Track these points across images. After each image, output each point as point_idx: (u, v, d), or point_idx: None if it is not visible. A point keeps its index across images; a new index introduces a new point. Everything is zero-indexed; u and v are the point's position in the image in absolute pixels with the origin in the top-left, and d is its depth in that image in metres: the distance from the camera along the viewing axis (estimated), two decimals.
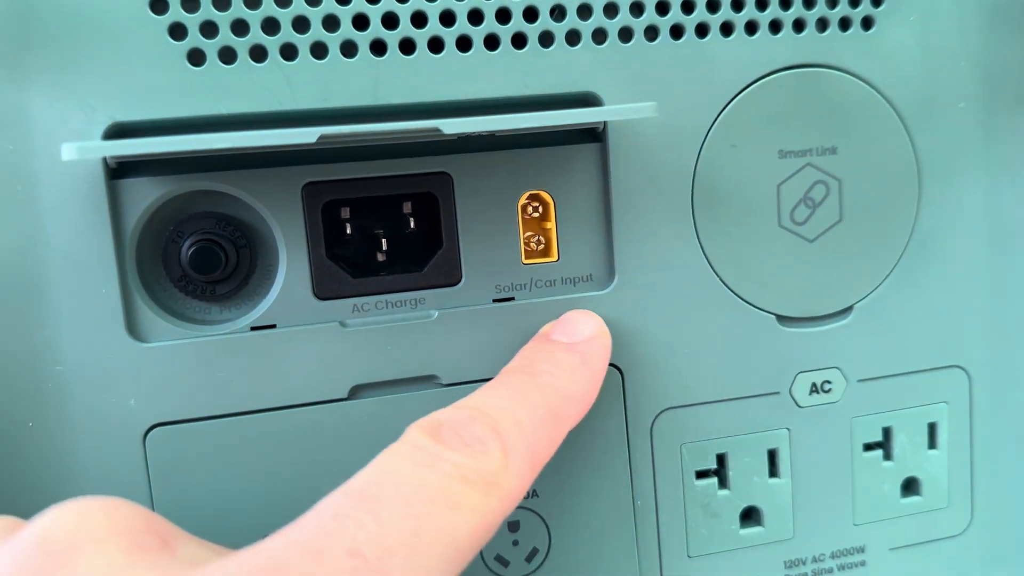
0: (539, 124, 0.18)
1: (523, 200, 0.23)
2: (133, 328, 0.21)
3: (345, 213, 0.22)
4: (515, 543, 0.23)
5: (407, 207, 0.23)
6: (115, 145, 0.17)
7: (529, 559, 0.24)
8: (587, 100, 0.23)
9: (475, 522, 0.16)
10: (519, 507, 0.23)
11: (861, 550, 0.26)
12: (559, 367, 0.21)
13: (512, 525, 0.23)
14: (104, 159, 0.20)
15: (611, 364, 0.24)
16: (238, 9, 0.20)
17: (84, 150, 0.17)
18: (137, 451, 0.21)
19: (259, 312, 0.22)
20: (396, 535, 0.15)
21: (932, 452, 0.26)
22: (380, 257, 0.23)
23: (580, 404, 0.21)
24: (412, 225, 0.23)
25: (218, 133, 0.17)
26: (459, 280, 0.23)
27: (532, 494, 0.23)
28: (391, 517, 0.15)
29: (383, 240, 0.23)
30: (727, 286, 0.24)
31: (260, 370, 0.22)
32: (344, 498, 0.16)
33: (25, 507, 0.19)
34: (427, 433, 0.18)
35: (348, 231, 0.22)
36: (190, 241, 0.21)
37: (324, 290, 0.22)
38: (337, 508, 0.16)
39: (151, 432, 0.21)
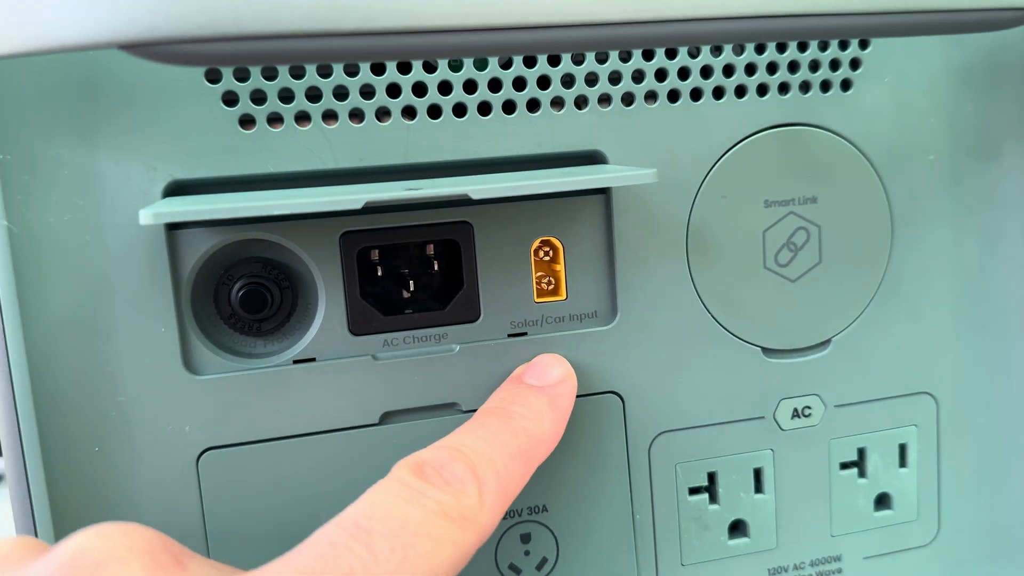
0: (552, 189, 0.21)
1: (535, 245, 0.26)
2: (188, 362, 0.23)
3: (377, 258, 0.25)
4: (527, 553, 0.26)
5: (432, 252, 0.25)
6: (184, 211, 0.20)
7: (539, 567, 0.26)
8: (593, 157, 0.25)
9: (453, 553, 0.19)
10: (530, 520, 0.26)
11: (838, 559, 0.29)
12: (529, 409, 0.23)
13: (524, 537, 0.26)
14: None
15: (613, 391, 0.26)
16: (284, 79, 0.23)
17: (159, 216, 0.19)
18: (191, 472, 0.24)
19: (301, 347, 0.24)
20: (386, 564, 0.17)
21: (903, 470, 0.29)
22: (408, 297, 0.25)
23: (548, 444, 0.23)
24: (436, 268, 0.25)
25: (273, 200, 0.20)
26: (478, 317, 0.25)
27: (543, 508, 0.26)
28: (381, 548, 0.17)
29: (410, 282, 0.25)
30: (717, 322, 0.27)
31: (301, 399, 0.24)
32: (339, 529, 0.18)
33: (92, 523, 0.21)
34: (412, 471, 0.20)
35: (379, 274, 0.25)
36: (239, 284, 0.24)
37: (358, 327, 0.25)
38: (333, 538, 0.18)
39: (203, 455, 0.24)
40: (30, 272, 0.22)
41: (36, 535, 0.23)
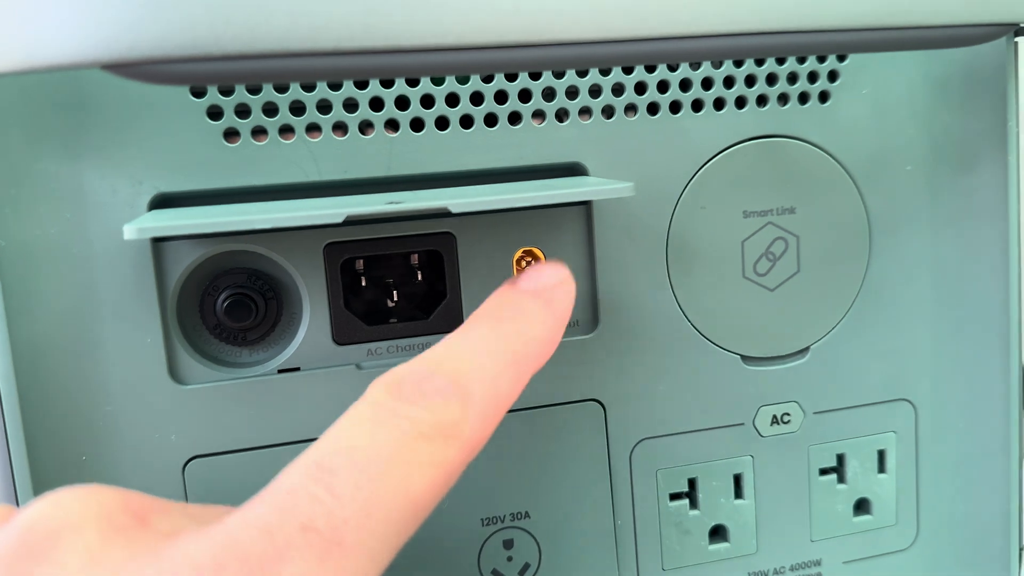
0: (530, 203, 0.21)
1: (518, 255, 0.26)
2: (174, 372, 0.24)
3: (361, 269, 0.25)
4: (509, 559, 0.26)
5: (416, 262, 0.26)
6: (168, 226, 0.20)
7: (522, 573, 0.27)
8: (574, 169, 0.26)
9: (434, 476, 0.17)
10: (513, 526, 0.26)
11: (818, 563, 0.29)
12: (522, 312, 0.21)
13: (507, 543, 0.26)
14: None
15: (594, 399, 0.27)
16: (268, 93, 0.23)
17: (143, 231, 0.19)
18: (177, 480, 0.24)
19: (285, 356, 0.25)
20: (350, 505, 0.16)
21: (881, 476, 0.30)
22: (391, 307, 0.26)
23: (543, 348, 0.21)
24: (419, 278, 0.26)
25: (256, 215, 0.20)
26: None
27: (525, 515, 0.26)
28: (345, 488, 0.16)
29: (394, 292, 0.26)
30: (697, 330, 0.27)
31: (286, 408, 0.24)
32: (299, 472, 0.16)
33: None
34: (387, 389, 0.18)
35: (363, 284, 0.25)
36: (225, 294, 0.24)
37: (342, 336, 0.25)
38: (292, 483, 0.16)
39: (189, 463, 0.24)
40: (17, 284, 0.22)
41: None
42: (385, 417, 0.17)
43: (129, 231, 0.20)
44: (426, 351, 0.20)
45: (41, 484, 0.23)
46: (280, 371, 0.25)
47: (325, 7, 0.18)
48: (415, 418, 0.17)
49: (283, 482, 0.16)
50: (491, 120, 0.25)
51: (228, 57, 0.18)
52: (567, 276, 0.22)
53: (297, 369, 0.25)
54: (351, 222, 0.24)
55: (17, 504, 0.23)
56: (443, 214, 0.25)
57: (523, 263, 0.26)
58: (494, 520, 0.26)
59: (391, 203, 0.21)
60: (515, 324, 0.21)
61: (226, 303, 0.24)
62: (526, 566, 0.27)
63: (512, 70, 0.20)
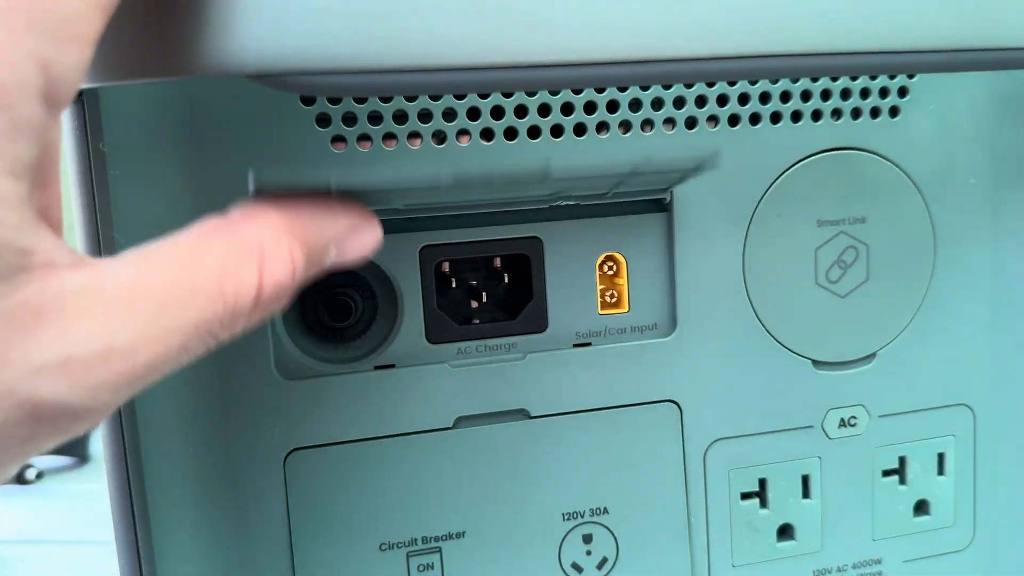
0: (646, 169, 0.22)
1: (600, 260, 0.27)
2: (281, 367, 0.25)
3: (451, 271, 0.26)
4: (588, 552, 0.27)
5: (502, 265, 0.27)
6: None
7: (600, 566, 0.28)
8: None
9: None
10: (592, 522, 0.27)
11: (878, 561, 0.30)
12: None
13: (586, 537, 0.27)
14: None
15: (671, 400, 0.28)
16: (373, 103, 0.24)
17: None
18: (278, 471, 0.25)
19: (381, 354, 0.26)
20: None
21: (941, 478, 0.30)
22: (480, 308, 0.27)
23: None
24: (506, 280, 0.27)
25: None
26: (545, 328, 0.27)
27: (604, 511, 0.27)
28: None
29: (483, 294, 0.27)
30: (771, 334, 0.28)
31: (382, 403, 0.26)
32: None
33: (188, 514, 0.23)
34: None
35: (455, 286, 0.26)
36: (326, 293, 0.25)
37: (435, 335, 0.26)
38: None
39: (291, 455, 0.25)
40: None
41: (135, 531, 0.24)
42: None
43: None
44: None
45: (151, 473, 0.24)
46: (376, 368, 0.26)
47: (455, 28, 0.19)
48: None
49: None
50: (580, 130, 0.26)
51: (364, 71, 0.19)
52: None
53: (392, 366, 0.26)
54: (446, 225, 0.25)
55: (131, 497, 0.24)
56: (532, 218, 0.26)
57: (605, 267, 0.27)
58: (574, 515, 0.27)
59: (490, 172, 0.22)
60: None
61: (328, 302, 0.25)
62: (604, 560, 0.28)
63: (611, 84, 0.21)
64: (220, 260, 0.17)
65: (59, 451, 0.46)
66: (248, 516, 0.25)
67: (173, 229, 0.24)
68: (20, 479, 0.43)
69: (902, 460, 0.30)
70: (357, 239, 0.21)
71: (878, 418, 0.30)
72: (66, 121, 0.23)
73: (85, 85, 0.18)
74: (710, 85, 0.27)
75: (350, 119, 0.24)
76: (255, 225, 0.19)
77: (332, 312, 0.25)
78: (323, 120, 0.24)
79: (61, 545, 0.39)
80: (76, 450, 0.46)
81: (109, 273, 0.15)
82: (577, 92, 0.25)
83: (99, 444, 0.48)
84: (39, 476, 0.44)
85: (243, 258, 0.18)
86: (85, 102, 0.23)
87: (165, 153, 0.23)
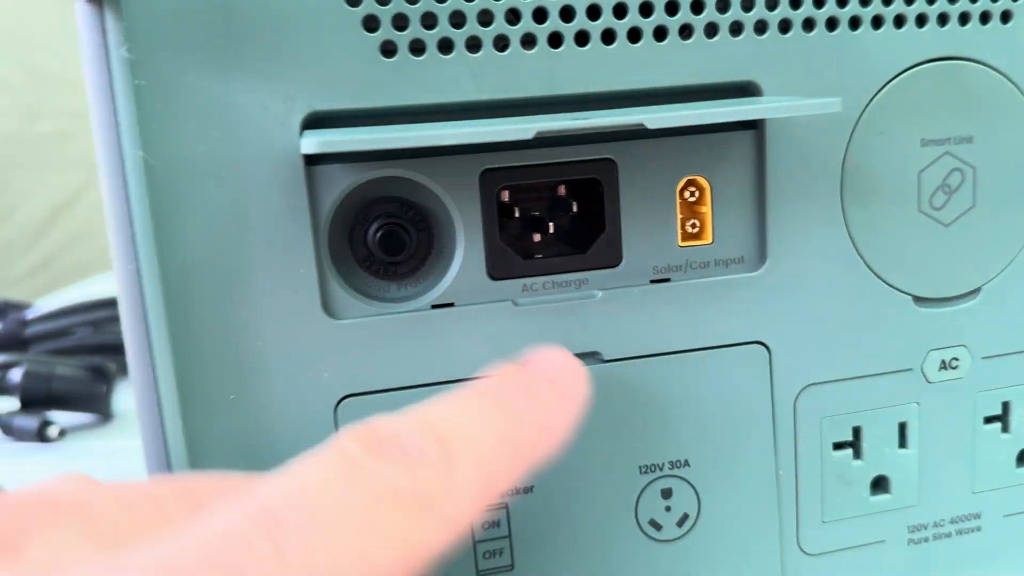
0: (735, 118, 0.19)
1: (681, 185, 0.24)
2: (327, 306, 0.22)
3: (515, 199, 0.23)
4: (668, 508, 0.25)
5: (573, 192, 0.24)
6: (355, 140, 0.18)
7: (680, 523, 0.25)
8: (747, 89, 0.24)
9: (400, 551, 0.14)
10: (671, 475, 0.25)
11: (977, 516, 0.28)
12: (535, 397, 0.19)
13: (665, 492, 0.25)
14: None
15: (759, 342, 0.25)
16: (427, 3, 0.21)
17: (326, 144, 0.18)
18: (328, 420, 0.22)
19: (439, 291, 0.23)
20: (295, 570, 0.13)
21: None
22: (548, 240, 0.24)
23: (551, 438, 0.19)
24: (576, 209, 0.24)
25: (446, 130, 0.18)
26: (619, 262, 0.24)
27: (684, 463, 0.25)
28: (293, 548, 0.13)
29: (550, 224, 0.24)
30: (871, 268, 0.25)
31: (440, 345, 0.23)
32: (242, 514, 0.14)
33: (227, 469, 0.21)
34: (361, 440, 0.16)
35: (519, 215, 0.24)
36: (376, 224, 0.23)
37: (497, 271, 0.23)
38: (231, 525, 0.13)
39: (342, 403, 0.22)
40: (166, 206, 0.21)
41: None
42: (353, 473, 0.15)
43: (309, 144, 0.18)
44: (414, 407, 0.17)
45: (189, 423, 0.22)
46: (434, 307, 0.23)
47: None
48: (389, 478, 0.15)
49: (220, 520, 0.13)
50: (660, 34, 0.23)
51: None
52: (581, 369, 0.21)
53: (451, 305, 0.23)
54: (510, 146, 0.23)
55: (166, 447, 0.22)
56: (604, 138, 0.23)
57: (686, 193, 0.24)
58: (652, 468, 0.25)
59: (578, 119, 0.20)
60: (524, 407, 0.19)
61: (379, 234, 0.22)
62: (684, 517, 0.25)
63: None
64: None
65: (81, 408, 0.43)
66: None
67: (207, 147, 0.21)
68: (42, 437, 0.40)
69: (1005, 406, 0.27)
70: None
71: (981, 360, 0.27)
72: (82, 23, 0.20)
73: None
74: None
75: (401, 24, 0.21)
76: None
77: (384, 245, 0.22)
78: (371, 25, 0.21)
79: None
80: (99, 407, 0.44)
81: None
82: None
83: (122, 401, 0.46)
84: (62, 434, 0.41)
85: None
86: (104, 1, 0.20)
87: (195, 64, 0.21)
